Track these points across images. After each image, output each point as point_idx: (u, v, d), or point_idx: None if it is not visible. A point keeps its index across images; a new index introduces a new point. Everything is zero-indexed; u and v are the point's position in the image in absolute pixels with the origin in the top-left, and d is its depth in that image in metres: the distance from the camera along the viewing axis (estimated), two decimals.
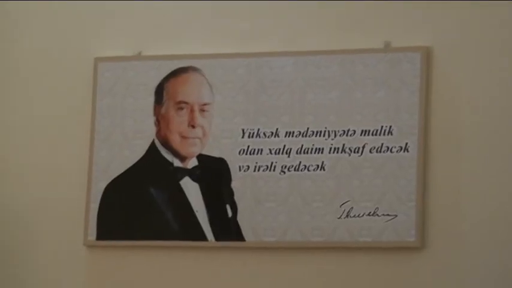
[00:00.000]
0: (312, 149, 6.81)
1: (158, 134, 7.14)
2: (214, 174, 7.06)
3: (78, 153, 7.32)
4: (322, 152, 6.77)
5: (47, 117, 7.52)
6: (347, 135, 6.74)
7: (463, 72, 6.70)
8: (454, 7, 6.62)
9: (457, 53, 6.72)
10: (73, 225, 7.27)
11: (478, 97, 6.65)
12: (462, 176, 6.58)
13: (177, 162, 7.09)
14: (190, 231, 7.00)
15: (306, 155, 6.83)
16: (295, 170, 6.81)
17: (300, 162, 6.81)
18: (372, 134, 6.70)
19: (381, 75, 6.79)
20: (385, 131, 6.67)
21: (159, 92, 7.18)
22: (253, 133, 6.96)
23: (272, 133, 6.91)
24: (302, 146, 6.82)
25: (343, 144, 6.75)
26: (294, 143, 6.86)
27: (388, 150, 6.66)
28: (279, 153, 6.88)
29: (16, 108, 7.64)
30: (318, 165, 6.76)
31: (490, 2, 6.56)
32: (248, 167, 6.91)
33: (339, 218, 6.66)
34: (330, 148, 6.77)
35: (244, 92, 7.05)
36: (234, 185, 6.93)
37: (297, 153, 6.84)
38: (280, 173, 6.84)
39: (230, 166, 6.96)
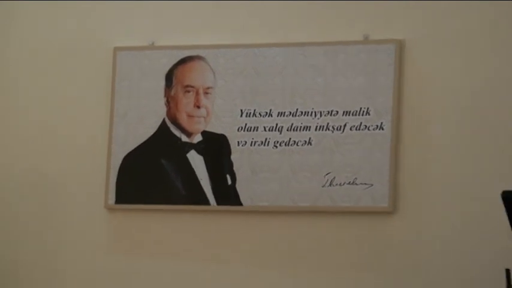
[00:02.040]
0: (300, 127, 6.91)
1: (168, 113, 7.21)
2: (216, 148, 7.13)
3: (100, 129, 7.37)
4: (309, 130, 6.86)
5: (73, 98, 7.56)
6: (331, 115, 6.83)
7: (431, 62, 6.76)
8: (424, 5, 6.69)
9: (427, 45, 6.78)
10: (95, 191, 7.35)
11: (444, 82, 6.72)
12: (429, 150, 6.64)
13: (184, 138, 7.14)
14: (195, 196, 7.08)
15: (295, 132, 6.92)
16: (285, 145, 6.91)
17: (290, 138, 6.90)
18: (352, 114, 6.79)
19: (360, 63, 6.88)
20: (363, 111, 6.76)
21: (169, 77, 7.24)
22: (250, 113, 7.05)
23: (266, 113, 7.01)
24: (292, 124, 6.92)
25: (327, 123, 6.84)
26: (285, 122, 6.95)
27: (366, 128, 6.74)
28: (272, 130, 6.97)
29: (49, 90, 7.66)
30: (305, 141, 6.85)
31: (456, 2, 6.67)
32: (245, 142, 7.00)
33: (323, 187, 6.76)
34: (316, 126, 6.86)
35: (242, 78, 7.11)
36: (233, 157, 7.01)
37: (287, 130, 6.93)
38: (273, 148, 6.94)
39: (230, 141, 7.03)
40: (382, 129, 6.69)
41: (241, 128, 7.04)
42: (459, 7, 6.68)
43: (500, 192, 4.62)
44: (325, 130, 6.84)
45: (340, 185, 6.78)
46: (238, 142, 7.00)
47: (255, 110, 7.04)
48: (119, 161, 7.26)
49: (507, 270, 5.23)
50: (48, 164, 7.57)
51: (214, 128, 7.09)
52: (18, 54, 7.81)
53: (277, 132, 6.95)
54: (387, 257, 6.66)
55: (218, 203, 7.00)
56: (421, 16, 6.74)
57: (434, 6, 6.72)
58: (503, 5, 6.52)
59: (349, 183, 6.74)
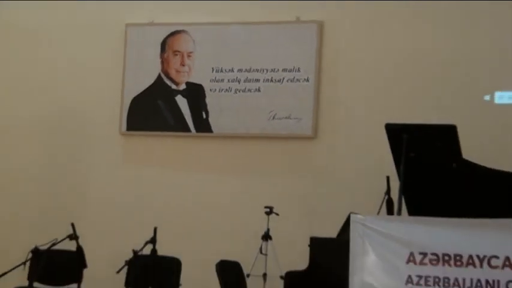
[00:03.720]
0: (253, 79, 7.72)
1: (162, 69, 7.99)
2: (195, 93, 7.88)
3: (116, 80, 8.05)
4: (259, 81, 7.73)
5: (97, 57, 8.16)
6: (273, 71, 7.67)
7: (342, 36, 7.63)
8: None
9: (339, 25, 7.62)
10: (113, 122, 8.06)
11: (351, 50, 7.54)
12: (340, 96, 7.52)
13: (173, 86, 7.96)
14: (181, 126, 7.88)
15: (249, 83, 7.73)
16: (243, 91, 7.75)
17: (246, 87, 7.73)
18: (288, 71, 7.63)
19: (294, 37, 7.67)
20: (295, 69, 7.61)
21: (163, 45, 8.00)
22: (218, 70, 7.85)
23: (230, 69, 7.81)
24: (247, 77, 7.74)
25: (271, 77, 7.66)
26: (243, 76, 7.76)
27: (297, 80, 7.60)
28: (233, 81, 7.79)
29: (80, 51, 8.19)
30: (256, 89, 7.71)
31: None
32: (215, 89, 7.82)
33: (268, 120, 7.63)
34: (264, 79, 7.71)
35: (214, 46, 7.88)
36: (207, 100, 7.83)
37: (244, 81, 7.74)
38: (234, 93, 7.77)
39: (205, 89, 7.84)
40: (308, 81, 7.57)
41: (213, 79, 7.84)
42: None
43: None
44: (270, 82, 7.69)
45: (279, 119, 7.60)
46: (210, 89, 7.83)
47: (221, 68, 7.83)
48: (129, 102, 8.01)
49: (387, 177, 6.17)
50: (80, 105, 8.15)
51: (194, 79, 7.91)
52: (58, 27, 8.26)
53: (237, 83, 7.78)
54: (310, 166, 7.55)
55: (197, 131, 7.84)
56: (335, 4, 7.53)
57: None
58: None
59: (285, 117, 7.58)
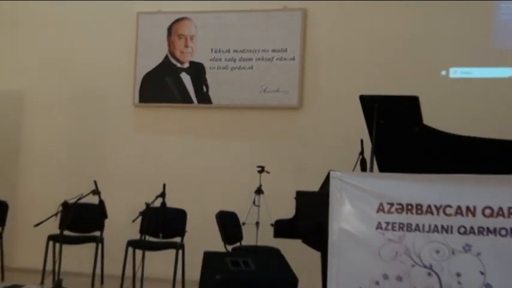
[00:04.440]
0: (246, 58, 7.71)
1: (169, 50, 7.97)
2: (197, 71, 7.86)
3: (129, 60, 8.03)
4: (251, 60, 7.69)
5: (114, 40, 8.11)
6: (264, 51, 7.67)
7: (322, 22, 7.61)
8: None
9: (320, 12, 7.60)
10: (128, 95, 8.03)
11: (331, 32, 7.57)
12: (321, 71, 7.52)
13: (178, 65, 7.93)
14: (185, 98, 7.87)
15: (243, 61, 7.73)
16: (238, 69, 7.73)
17: (240, 65, 7.72)
18: (277, 51, 7.62)
19: (281, 22, 7.66)
20: (283, 50, 7.61)
21: (169, 30, 7.97)
22: (217, 50, 7.82)
23: (226, 50, 7.78)
24: (241, 57, 7.72)
25: (262, 56, 7.66)
26: (237, 55, 7.74)
27: (285, 59, 7.60)
28: (230, 60, 7.77)
29: (97, 36, 8.16)
30: (249, 67, 7.70)
31: None
32: (214, 67, 7.82)
33: (259, 93, 7.64)
34: (256, 58, 7.68)
35: (213, 30, 7.85)
36: (207, 76, 7.82)
37: (239, 60, 7.74)
38: (230, 70, 7.76)
39: (205, 66, 7.83)
40: (294, 60, 7.58)
41: (212, 59, 7.82)
42: None
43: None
44: (261, 60, 7.67)
45: (269, 92, 7.61)
46: (210, 67, 7.82)
47: (219, 49, 7.81)
48: (141, 78, 8.00)
49: (361, 140, 6.15)
50: (100, 81, 8.10)
51: (196, 59, 7.89)
52: (81, 15, 8.18)
53: (232, 62, 7.76)
54: (296, 132, 7.57)
55: (198, 103, 7.84)
56: None
57: None
58: None
59: (274, 91, 7.60)
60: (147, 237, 6.55)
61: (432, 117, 5.57)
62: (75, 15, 8.25)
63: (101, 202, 6.33)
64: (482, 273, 4.11)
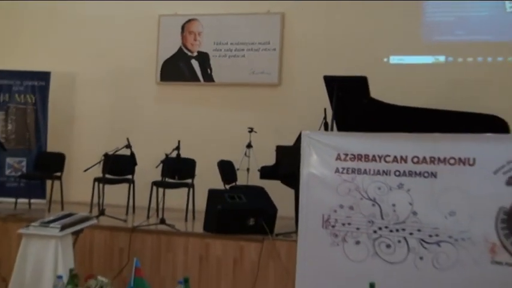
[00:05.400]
0: (239, 49, 7.64)
1: (182, 43, 7.90)
2: (203, 58, 7.80)
3: (152, 50, 7.94)
4: (243, 51, 7.64)
5: (140, 35, 7.98)
6: (253, 44, 7.61)
7: (297, 23, 7.54)
8: None
9: (295, 15, 7.54)
10: (151, 76, 7.97)
11: (303, 29, 7.48)
12: (295, 59, 7.45)
13: (189, 53, 7.88)
14: (193, 77, 7.84)
15: (237, 51, 7.65)
16: (234, 57, 7.68)
17: (235, 54, 7.67)
18: (263, 44, 7.58)
19: (266, 22, 7.62)
20: (267, 43, 7.56)
21: (183, 27, 7.89)
22: (218, 43, 7.76)
23: (225, 43, 7.73)
24: (236, 48, 7.66)
25: (251, 47, 7.61)
26: (234, 46, 7.68)
27: (268, 50, 7.56)
28: (227, 50, 7.72)
29: (124, 34, 8.00)
30: (242, 55, 7.62)
31: None
32: (216, 55, 7.76)
33: (249, 74, 7.61)
34: (247, 49, 7.61)
35: (215, 29, 7.78)
36: (211, 62, 7.75)
37: (234, 50, 7.67)
38: (228, 58, 7.69)
39: (209, 55, 7.78)
40: (275, 50, 7.54)
41: (214, 49, 7.77)
42: None
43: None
44: (251, 50, 7.61)
45: (257, 73, 7.58)
46: (213, 55, 7.76)
47: (220, 42, 7.76)
48: (161, 63, 7.95)
49: (325, 109, 6.00)
50: (130, 65, 8.02)
51: (203, 49, 7.83)
52: (119, 15, 8.02)
53: (229, 51, 7.71)
54: (277, 103, 7.52)
55: (204, 81, 7.82)
56: (292, 2, 7.40)
57: None
58: None
59: (260, 73, 7.57)
60: (166, 179, 6.53)
61: (377, 92, 5.57)
62: (114, 16, 8.12)
63: (132, 153, 6.39)
64: (410, 203, 4.15)
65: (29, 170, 7.51)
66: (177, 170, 6.61)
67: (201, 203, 5.96)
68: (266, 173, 6.26)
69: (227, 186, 6.41)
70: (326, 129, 5.96)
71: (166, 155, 6.13)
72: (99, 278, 2.76)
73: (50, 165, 7.17)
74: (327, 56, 7.31)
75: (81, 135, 8.16)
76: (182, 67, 7.92)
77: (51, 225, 4.58)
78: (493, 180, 3.92)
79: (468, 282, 3.94)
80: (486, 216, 3.91)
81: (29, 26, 8.36)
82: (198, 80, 7.87)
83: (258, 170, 6.39)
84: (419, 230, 4.10)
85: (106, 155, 6.36)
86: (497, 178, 3.92)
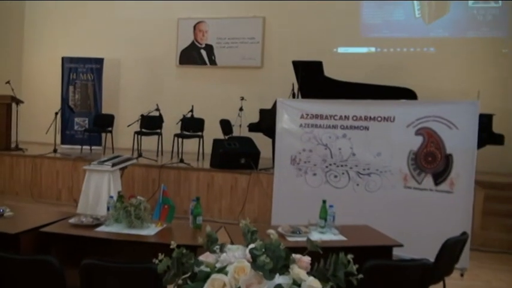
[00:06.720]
0: (234, 42, 7.34)
1: (194, 38, 7.58)
2: (209, 49, 7.53)
3: (172, 45, 7.62)
4: (237, 43, 7.34)
5: (160, 35, 7.62)
6: (243, 39, 7.28)
7: (274, 22, 7.22)
8: None
9: (273, 17, 7.22)
10: (172, 61, 7.66)
11: (279, 27, 7.11)
12: (273, 49, 7.17)
13: (199, 45, 7.58)
14: (203, 62, 7.56)
15: (232, 44, 7.34)
16: (230, 48, 7.36)
17: (231, 46, 7.35)
18: (250, 39, 7.26)
19: (252, 23, 7.28)
20: (253, 38, 7.25)
21: (194, 27, 7.57)
22: (220, 38, 7.46)
23: (224, 38, 7.41)
24: (232, 41, 7.33)
25: (242, 41, 7.28)
26: (230, 40, 7.36)
27: (253, 43, 7.24)
28: (225, 43, 7.39)
29: (144, 34, 7.64)
30: (236, 47, 7.29)
31: None
32: (218, 47, 7.44)
33: (241, 59, 7.31)
34: (239, 42, 7.29)
35: (219, 28, 7.45)
36: (215, 51, 7.47)
37: (230, 43, 7.36)
38: (226, 48, 7.31)
39: (213, 46, 7.48)
40: (259, 43, 7.24)
41: (216, 42, 7.48)
42: None
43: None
44: (242, 43, 7.32)
45: (246, 59, 7.30)
46: (216, 47, 7.48)
47: (220, 37, 7.45)
48: (179, 52, 7.66)
49: (293, 84, 5.88)
50: (157, 52, 7.68)
51: (209, 42, 7.54)
52: (147, 17, 7.66)
53: (227, 44, 7.40)
54: (260, 80, 7.23)
55: (210, 64, 7.55)
56: (272, 7, 7.15)
57: None
58: None
59: (248, 58, 7.29)
60: (184, 132, 6.41)
61: (329, 71, 5.47)
62: (147, 19, 7.75)
63: (160, 115, 6.27)
64: (351, 148, 4.12)
65: (90, 126, 7.39)
66: (191, 125, 6.51)
67: (208, 148, 5.89)
68: (252, 127, 6.17)
69: (226, 137, 6.30)
70: (294, 97, 5.89)
71: (184, 115, 6.09)
72: (138, 197, 2.74)
73: (104, 122, 7.02)
74: (295, 47, 7.08)
75: (125, 101, 7.92)
76: (194, 55, 7.68)
77: (106, 163, 4.67)
78: (406, 132, 3.93)
79: (389, 200, 3.96)
80: (401, 156, 3.94)
81: (90, 25, 8.05)
82: (205, 63, 7.63)
83: (247, 126, 6.29)
84: (356, 166, 4.10)
85: (142, 116, 6.24)
86: (409, 130, 3.92)
